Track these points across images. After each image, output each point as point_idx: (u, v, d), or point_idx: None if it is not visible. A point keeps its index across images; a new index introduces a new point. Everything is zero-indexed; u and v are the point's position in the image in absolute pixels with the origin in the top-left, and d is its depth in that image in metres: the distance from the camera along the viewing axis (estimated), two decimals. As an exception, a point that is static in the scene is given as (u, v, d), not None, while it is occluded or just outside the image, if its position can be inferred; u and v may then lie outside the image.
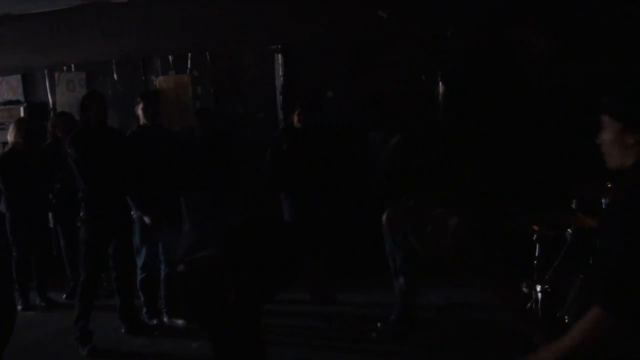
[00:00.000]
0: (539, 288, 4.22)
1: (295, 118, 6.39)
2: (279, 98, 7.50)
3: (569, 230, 4.34)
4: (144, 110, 5.91)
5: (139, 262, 6.07)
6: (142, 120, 5.96)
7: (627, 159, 2.43)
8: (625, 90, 2.56)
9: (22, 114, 8.33)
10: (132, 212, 5.93)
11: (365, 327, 5.65)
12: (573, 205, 4.57)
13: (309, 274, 6.44)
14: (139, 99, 6.00)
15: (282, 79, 7.49)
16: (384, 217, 4.37)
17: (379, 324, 5.56)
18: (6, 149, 6.72)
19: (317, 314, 6.17)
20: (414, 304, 5.55)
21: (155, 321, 6.07)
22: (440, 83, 6.91)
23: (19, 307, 6.74)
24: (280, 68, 7.50)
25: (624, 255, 2.18)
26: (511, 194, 6.28)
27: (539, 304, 4.22)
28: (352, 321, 5.95)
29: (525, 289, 4.53)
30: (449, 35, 6.90)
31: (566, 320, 4.09)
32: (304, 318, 6.13)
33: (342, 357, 5.27)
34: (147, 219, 5.77)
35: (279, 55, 7.50)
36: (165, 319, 6.14)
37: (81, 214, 5.60)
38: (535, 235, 4.59)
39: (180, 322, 6.08)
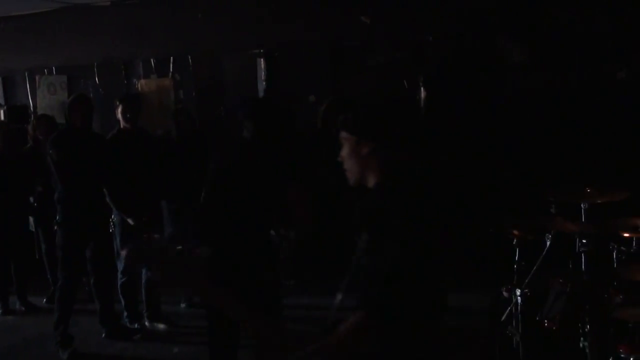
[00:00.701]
0: (518, 292, 4.25)
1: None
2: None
3: (548, 234, 4.37)
4: (122, 113, 5.89)
5: (120, 266, 6.04)
6: (122, 123, 5.94)
7: (367, 174, 2.48)
8: (357, 107, 2.66)
9: (2, 117, 8.28)
10: (112, 216, 5.90)
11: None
12: (552, 210, 4.60)
13: None
14: (118, 102, 5.98)
15: (264, 83, 7.49)
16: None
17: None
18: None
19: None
20: None
21: (136, 325, 6.05)
22: (422, 88, 6.95)
23: (-2, 312, 6.73)
24: (263, 72, 7.50)
25: (384, 264, 2.27)
26: (491, 199, 6.33)
27: (519, 308, 4.26)
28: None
29: (505, 293, 4.57)
30: (430, 40, 6.95)
31: (546, 324, 4.14)
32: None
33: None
34: (130, 221, 5.74)
35: (261, 60, 7.50)
36: (146, 323, 6.12)
37: (57, 217, 5.58)
38: (514, 240, 4.63)
39: (161, 326, 6.07)
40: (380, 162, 2.44)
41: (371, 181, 2.46)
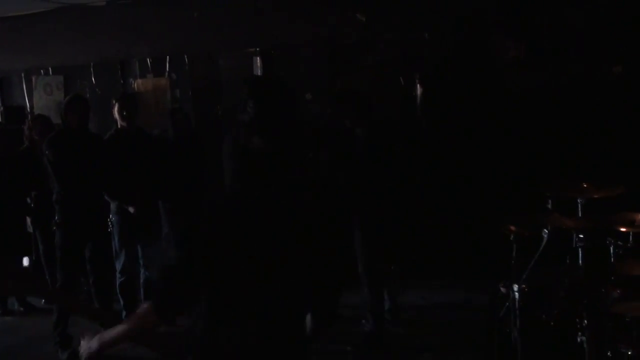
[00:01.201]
0: (516, 288, 4.26)
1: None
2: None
3: (545, 230, 4.38)
4: (119, 112, 5.90)
5: (118, 266, 6.04)
6: (119, 122, 5.94)
7: None
8: None
9: (-1, 118, 8.28)
10: (110, 216, 5.91)
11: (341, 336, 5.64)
12: (549, 205, 4.61)
13: None
14: (114, 101, 5.99)
15: (260, 81, 7.49)
16: None
17: (348, 348, 5.49)
18: (-17, 153, 6.66)
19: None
20: (382, 312, 5.57)
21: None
22: (417, 85, 6.97)
23: (-3, 312, 6.74)
24: (259, 71, 7.51)
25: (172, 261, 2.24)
26: (488, 195, 6.35)
27: (517, 304, 4.27)
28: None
29: (502, 289, 4.58)
30: (426, 38, 6.96)
31: (544, 320, 4.15)
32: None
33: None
34: (131, 209, 5.75)
35: (257, 58, 7.51)
36: None
37: (55, 218, 5.58)
38: (511, 236, 4.64)
39: None
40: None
41: None
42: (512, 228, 4.60)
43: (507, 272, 4.63)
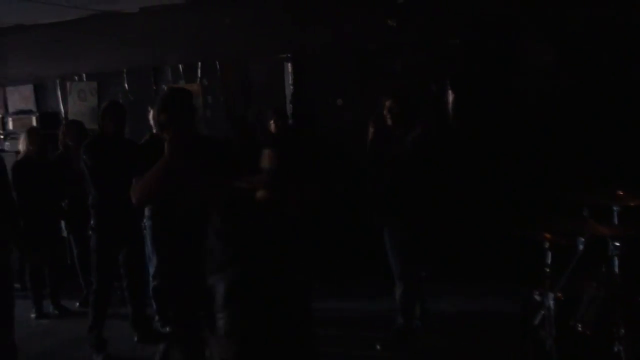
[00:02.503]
0: (551, 296, 4.23)
1: (272, 125, 6.54)
2: (289, 106, 7.54)
3: (580, 238, 4.34)
4: (154, 118, 5.95)
5: (151, 270, 6.11)
6: (154, 128, 6.00)
7: None
8: None
9: (34, 124, 8.41)
10: (143, 220, 5.97)
11: (371, 335, 5.66)
12: (584, 213, 4.57)
13: None
14: (150, 108, 6.06)
15: (291, 87, 7.54)
16: None
17: (378, 347, 5.51)
18: (19, 157, 6.76)
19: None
20: (413, 311, 5.56)
21: (167, 329, 6.10)
22: (449, 90, 6.95)
23: (33, 316, 6.82)
24: (290, 76, 7.55)
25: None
26: (522, 202, 6.30)
27: (551, 312, 4.24)
28: (356, 329, 5.96)
29: (536, 297, 4.54)
30: (457, 43, 6.94)
31: (579, 329, 4.11)
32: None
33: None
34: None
35: (289, 64, 7.55)
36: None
37: (91, 222, 5.66)
38: (547, 244, 4.60)
39: None
40: None
41: None
42: (547, 235, 4.56)
43: (541, 279, 4.60)
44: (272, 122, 6.62)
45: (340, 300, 6.73)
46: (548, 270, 4.52)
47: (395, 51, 7.13)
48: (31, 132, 6.84)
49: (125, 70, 8.33)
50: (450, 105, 6.92)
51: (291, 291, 2.93)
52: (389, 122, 5.37)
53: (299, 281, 3.02)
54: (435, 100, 6.96)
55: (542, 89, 6.68)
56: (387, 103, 5.42)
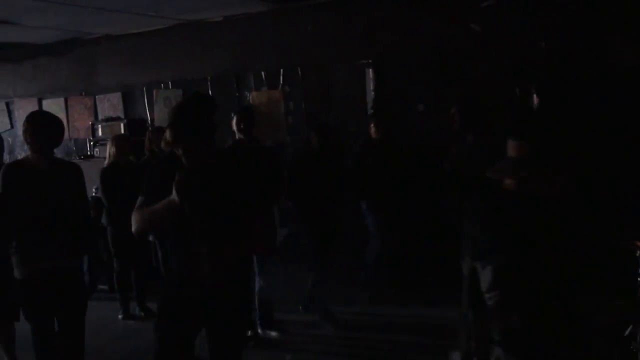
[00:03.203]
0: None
1: (373, 129, 6.51)
2: (370, 112, 7.52)
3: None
4: (237, 124, 6.05)
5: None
6: (237, 134, 6.09)
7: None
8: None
9: (122, 130, 8.65)
10: None
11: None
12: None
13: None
14: (233, 114, 6.15)
15: (373, 92, 7.52)
16: None
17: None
18: (106, 163, 6.95)
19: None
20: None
21: (249, 332, 6.16)
22: (534, 95, 6.78)
23: (120, 317, 7.01)
24: (371, 82, 7.53)
25: None
26: (610, 208, 6.09)
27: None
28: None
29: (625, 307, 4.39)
30: (542, 46, 6.78)
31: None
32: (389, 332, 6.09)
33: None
34: None
35: (370, 70, 7.54)
36: (259, 331, 6.22)
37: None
38: (638, 252, 4.44)
39: (273, 333, 6.16)
40: None
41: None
42: (639, 244, 4.40)
43: (632, 289, 4.44)
44: (372, 126, 6.69)
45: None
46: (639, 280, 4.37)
47: (479, 55, 7.01)
48: (118, 139, 7.04)
49: (209, 77, 8.50)
50: (535, 110, 6.75)
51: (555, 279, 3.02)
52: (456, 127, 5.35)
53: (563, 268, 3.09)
54: (519, 104, 6.80)
55: (634, 92, 6.44)
56: (452, 110, 5.53)
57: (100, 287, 7.85)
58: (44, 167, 4.48)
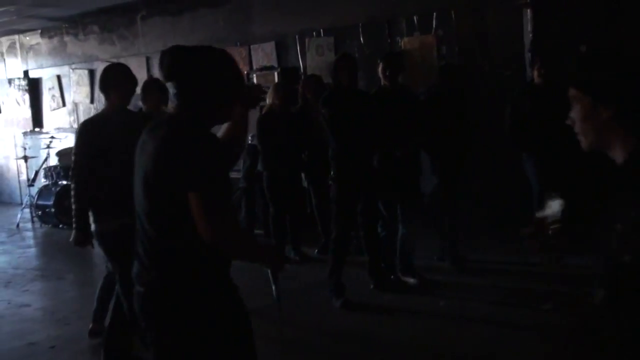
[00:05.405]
0: None
1: (535, 73, 6.21)
2: (527, 55, 7.20)
3: None
4: (382, 71, 6.00)
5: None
6: (382, 80, 6.05)
7: (610, 143, 2.03)
8: (593, 60, 2.11)
9: (276, 79, 8.82)
10: None
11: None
12: None
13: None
14: (379, 61, 6.11)
15: (530, 35, 7.18)
16: None
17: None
18: (264, 111, 7.13)
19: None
20: None
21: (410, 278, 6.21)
22: None
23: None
24: (529, 23, 7.18)
25: None
26: None
27: None
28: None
29: None
30: None
31: None
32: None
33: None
34: (398, 153, 5.96)
35: (528, 10, 7.19)
36: (400, 276, 6.28)
37: (331, 173, 5.86)
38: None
39: (412, 280, 6.19)
40: (628, 131, 2.00)
41: (618, 153, 2.03)
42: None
43: None
44: (535, 70, 6.31)
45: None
46: None
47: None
48: (278, 87, 7.21)
49: (360, 24, 8.44)
50: None
51: None
52: None
53: None
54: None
55: None
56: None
57: (257, 231, 8.15)
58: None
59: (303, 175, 7.70)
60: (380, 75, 6.04)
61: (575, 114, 2.09)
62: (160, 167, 2.46)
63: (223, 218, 2.46)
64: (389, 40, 8.25)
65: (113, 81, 4.53)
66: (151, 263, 2.58)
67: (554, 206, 2.29)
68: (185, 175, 2.42)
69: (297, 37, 9.02)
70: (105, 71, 4.61)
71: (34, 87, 12.76)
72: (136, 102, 5.27)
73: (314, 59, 8.88)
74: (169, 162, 2.45)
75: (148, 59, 10.70)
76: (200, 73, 2.55)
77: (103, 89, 4.58)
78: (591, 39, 6.78)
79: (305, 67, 8.95)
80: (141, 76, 10.10)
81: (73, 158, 4.54)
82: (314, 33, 8.89)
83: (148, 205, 2.55)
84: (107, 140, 4.36)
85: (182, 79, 2.56)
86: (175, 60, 2.57)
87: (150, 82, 5.81)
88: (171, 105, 2.65)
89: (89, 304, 5.47)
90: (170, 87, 2.58)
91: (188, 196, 2.41)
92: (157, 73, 10.27)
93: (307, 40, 8.94)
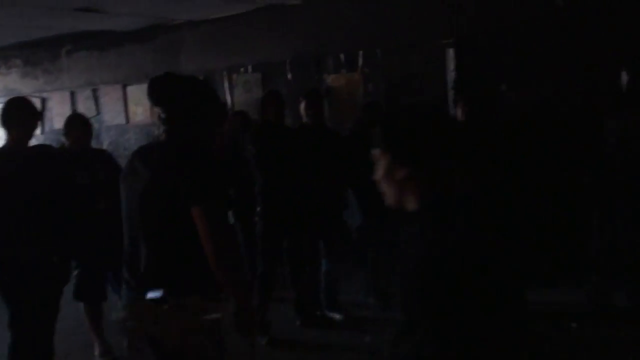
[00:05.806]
0: None
1: (459, 111, 6.34)
2: (450, 93, 7.37)
3: None
4: (305, 109, 6.05)
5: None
6: (304, 118, 6.09)
7: (406, 199, 2.07)
8: (394, 118, 2.16)
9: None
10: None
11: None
12: None
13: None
14: (301, 98, 6.16)
15: (453, 73, 7.36)
16: None
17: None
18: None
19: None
20: None
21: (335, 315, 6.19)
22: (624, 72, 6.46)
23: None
24: (452, 62, 7.37)
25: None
26: None
27: None
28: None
29: None
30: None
31: None
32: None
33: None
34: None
35: (450, 50, 7.38)
36: (325, 312, 6.27)
37: (258, 209, 5.83)
38: None
39: (337, 316, 6.18)
40: (424, 190, 2.01)
41: (410, 206, 2.06)
42: None
43: None
44: (459, 106, 6.36)
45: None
46: None
47: (564, 33, 6.75)
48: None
49: (288, 60, 8.50)
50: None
51: None
52: None
53: None
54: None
55: None
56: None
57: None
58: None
59: (230, 212, 7.63)
60: (302, 112, 6.08)
61: (378, 172, 2.09)
62: (163, 185, 2.69)
63: (225, 229, 2.77)
64: (316, 77, 8.32)
65: (15, 116, 4.40)
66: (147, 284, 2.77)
67: None
68: (189, 190, 2.64)
69: (224, 73, 9.01)
70: (6, 106, 4.47)
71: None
72: (59, 137, 5.16)
73: (241, 95, 8.88)
74: (173, 179, 2.67)
75: (72, 94, 10.52)
76: (190, 99, 2.81)
77: (3, 124, 4.44)
78: (512, 78, 7.02)
79: (233, 104, 8.93)
80: (65, 111, 10.00)
81: None
82: (242, 69, 8.90)
83: (147, 226, 2.76)
84: (7, 176, 4.26)
85: (173, 104, 2.78)
86: (166, 86, 2.80)
87: (74, 117, 5.75)
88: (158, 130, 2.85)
89: None
90: (160, 112, 2.82)
91: (191, 212, 2.64)
92: (81, 108, 10.21)
93: (234, 76, 8.94)
